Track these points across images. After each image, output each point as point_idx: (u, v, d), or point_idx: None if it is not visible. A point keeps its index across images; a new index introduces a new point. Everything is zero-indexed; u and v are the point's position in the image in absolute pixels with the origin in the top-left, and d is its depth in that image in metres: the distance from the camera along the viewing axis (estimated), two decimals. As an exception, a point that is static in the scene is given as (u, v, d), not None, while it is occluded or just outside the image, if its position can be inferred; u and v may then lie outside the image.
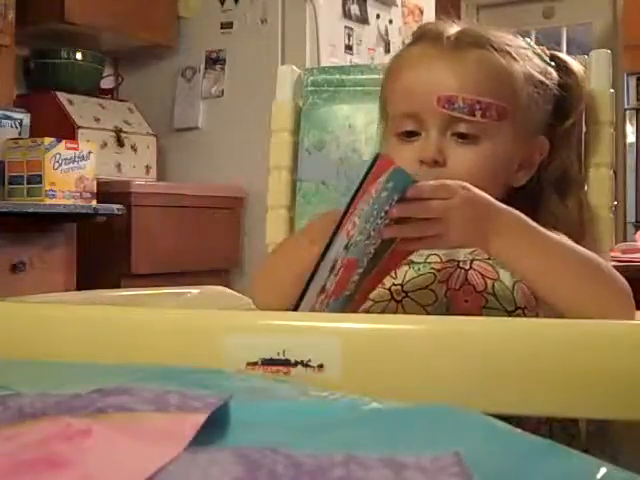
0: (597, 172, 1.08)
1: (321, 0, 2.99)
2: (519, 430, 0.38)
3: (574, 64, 0.98)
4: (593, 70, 1.10)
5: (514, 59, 0.90)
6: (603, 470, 0.33)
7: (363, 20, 3.21)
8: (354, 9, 3.17)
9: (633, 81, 4.32)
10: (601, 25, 4.65)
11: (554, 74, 0.95)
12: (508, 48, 0.90)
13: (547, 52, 0.97)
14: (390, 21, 3.34)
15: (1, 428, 0.37)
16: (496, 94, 0.87)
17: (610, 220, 1.07)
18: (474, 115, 0.86)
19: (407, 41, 0.99)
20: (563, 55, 0.99)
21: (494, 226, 0.78)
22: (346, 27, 3.14)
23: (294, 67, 1.27)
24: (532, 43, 0.96)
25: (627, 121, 4.34)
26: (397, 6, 3.38)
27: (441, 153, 0.88)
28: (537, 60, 0.93)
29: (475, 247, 0.85)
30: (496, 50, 0.89)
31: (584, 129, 1.09)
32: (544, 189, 0.96)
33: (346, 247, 0.75)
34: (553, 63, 0.96)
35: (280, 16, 3.01)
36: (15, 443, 0.34)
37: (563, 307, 0.79)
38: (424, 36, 0.93)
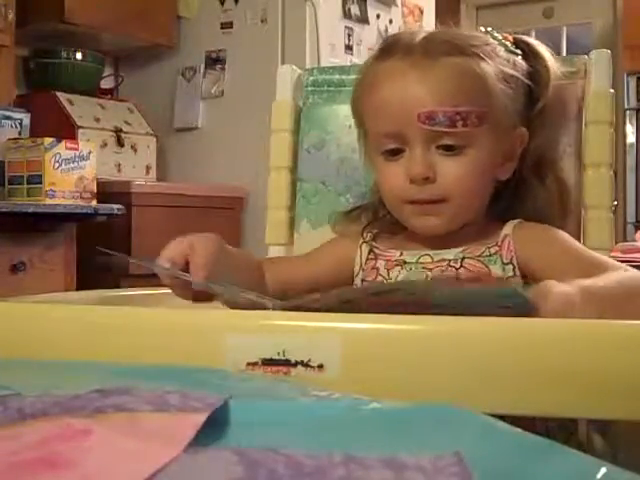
0: (597, 172, 1.08)
1: (321, 0, 2.99)
2: (519, 430, 0.38)
3: (539, 46, 0.98)
4: (593, 70, 1.10)
5: (483, 59, 0.90)
6: (603, 470, 0.33)
7: (363, 20, 3.21)
8: (354, 9, 3.17)
9: (633, 81, 4.33)
10: (601, 25, 4.65)
11: (521, 63, 0.95)
12: (476, 49, 0.90)
13: (510, 38, 0.97)
14: (390, 21, 3.34)
15: (1, 428, 0.37)
16: (473, 100, 0.88)
17: (610, 220, 1.07)
18: (456, 126, 0.87)
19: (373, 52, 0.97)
20: (527, 38, 0.99)
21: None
22: (346, 27, 3.14)
23: (294, 67, 1.27)
24: (495, 34, 0.96)
25: (627, 121, 4.34)
26: (397, 6, 3.38)
27: (430, 169, 0.88)
28: (504, 53, 0.93)
29: None
30: (465, 54, 0.89)
31: (585, 124, 1.09)
32: (524, 175, 0.96)
33: None
34: (519, 50, 0.96)
35: (280, 16, 3.01)
36: (15, 443, 0.34)
37: None
38: (393, 49, 0.92)
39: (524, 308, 0.66)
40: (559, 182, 0.99)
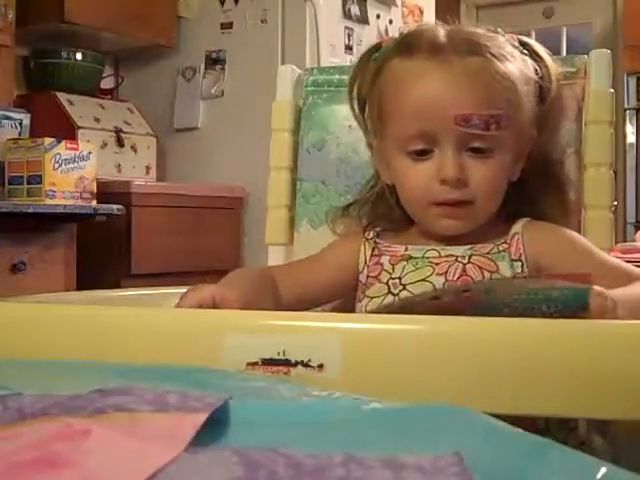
0: (597, 172, 1.08)
1: (321, 0, 2.99)
2: (519, 430, 0.38)
3: (539, 47, 0.98)
4: (593, 70, 1.10)
5: (509, 61, 0.90)
6: (603, 470, 0.33)
7: (363, 20, 3.21)
8: (354, 9, 3.17)
9: (633, 81, 4.32)
10: (601, 25, 4.66)
11: (532, 64, 0.95)
12: (500, 50, 0.90)
13: (516, 39, 0.97)
14: (390, 21, 3.34)
15: (1, 428, 0.37)
16: (502, 101, 0.88)
17: (610, 220, 1.07)
18: (489, 129, 0.87)
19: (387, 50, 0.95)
20: (528, 39, 0.99)
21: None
22: (346, 27, 3.14)
23: (294, 67, 1.27)
24: (507, 36, 0.96)
25: (627, 121, 4.34)
26: (397, 6, 3.38)
27: (463, 171, 0.88)
28: (517, 54, 0.94)
29: None
30: (491, 55, 0.89)
31: (584, 126, 1.09)
32: (530, 175, 0.96)
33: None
34: (526, 51, 0.96)
35: (280, 16, 3.01)
36: (15, 443, 0.34)
37: None
38: (417, 46, 0.91)
39: (579, 309, 0.67)
40: (563, 182, 1.00)
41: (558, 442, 0.36)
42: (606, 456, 0.88)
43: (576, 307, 0.68)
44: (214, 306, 0.76)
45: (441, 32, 0.91)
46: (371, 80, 0.97)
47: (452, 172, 0.87)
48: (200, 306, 0.76)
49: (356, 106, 1.01)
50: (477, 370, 0.57)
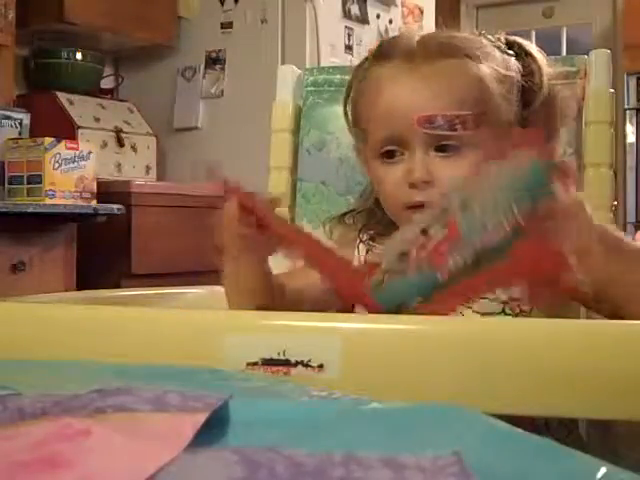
0: (597, 172, 1.08)
1: (321, 0, 2.99)
2: (519, 430, 0.38)
3: (530, 47, 0.98)
4: (593, 70, 1.10)
5: (480, 61, 0.91)
6: (603, 470, 0.33)
7: (363, 20, 3.21)
8: (354, 9, 3.17)
9: (633, 81, 4.33)
10: (601, 25, 4.65)
11: (515, 63, 0.95)
12: (472, 51, 0.91)
13: (503, 39, 0.97)
14: (390, 21, 3.34)
15: (1, 428, 0.37)
16: (471, 102, 0.88)
17: (610, 220, 1.07)
18: (455, 130, 0.87)
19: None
20: (519, 39, 0.99)
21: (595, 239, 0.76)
22: (346, 27, 3.14)
23: (294, 67, 1.27)
24: (489, 36, 0.96)
25: (627, 121, 4.34)
26: (397, 6, 3.38)
27: (429, 173, 0.88)
28: (498, 54, 0.94)
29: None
30: (462, 56, 0.90)
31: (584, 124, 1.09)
32: None
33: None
34: (511, 51, 0.96)
35: (280, 16, 3.01)
36: (15, 443, 0.34)
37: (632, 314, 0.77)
38: (392, 53, 0.93)
39: (546, 197, 0.68)
40: None
41: (558, 442, 0.37)
42: (606, 456, 0.88)
43: (539, 187, 0.68)
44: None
45: (415, 38, 0.93)
46: (355, 90, 0.99)
47: (418, 174, 0.87)
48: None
49: (349, 114, 1.01)
50: (477, 370, 0.57)
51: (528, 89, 0.95)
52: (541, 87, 0.95)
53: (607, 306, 0.80)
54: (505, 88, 0.92)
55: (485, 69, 0.90)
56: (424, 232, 0.71)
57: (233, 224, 0.79)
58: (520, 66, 0.95)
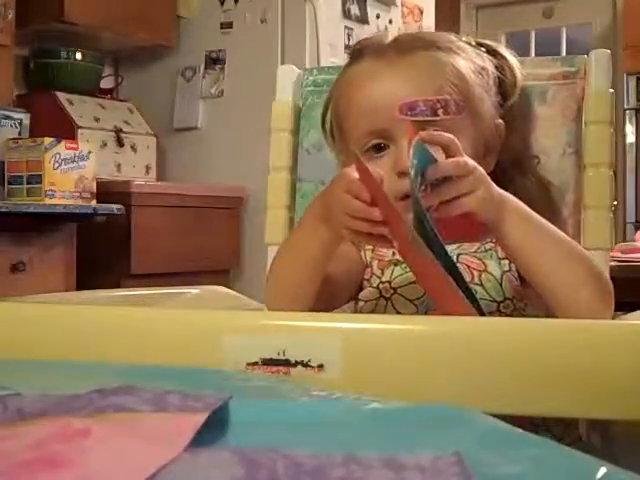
0: (597, 172, 1.08)
1: (321, 0, 2.99)
2: (519, 430, 0.38)
3: (501, 47, 1.00)
4: (593, 70, 1.10)
5: (455, 52, 0.92)
6: (603, 470, 0.33)
7: (363, 20, 3.21)
8: (354, 9, 3.17)
9: (633, 81, 4.32)
10: (601, 25, 4.65)
11: (488, 57, 0.96)
12: (448, 44, 0.92)
13: (473, 42, 0.98)
14: (390, 21, 3.34)
15: (1, 428, 0.37)
16: (450, 88, 0.89)
17: (610, 220, 1.07)
18: (437, 114, 0.87)
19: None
20: (488, 41, 1.01)
21: (505, 206, 0.81)
22: (346, 27, 3.14)
23: (294, 67, 1.27)
24: (456, 35, 0.98)
25: (627, 121, 4.34)
26: (397, 6, 3.38)
27: None
28: (470, 49, 0.95)
29: (492, 223, 0.83)
30: (436, 48, 0.91)
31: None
32: (505, 170, 0.96)
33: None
34: (483, 49, 0.97)
35: (280, 16, 3.01)
36: (15, 443, 0.34)
37: (546, 285, 0.83)
38: (364, 52, 0.94)
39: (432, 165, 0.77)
40: (539, 180, 1.00)
41: (558, 442, 0.37)
42: (606, 456, 0.88)
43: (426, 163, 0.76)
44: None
45: (388, 36, 0.94)
46: (330, 90, 1.00)
47: (405, 163, 0.87)
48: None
49: (327, 126, 1.01)
50: (477, 370, 0.57)
51: (504, 83, 0.96)
52: (515, 83, 0.97)
53: (530, 287, 0.86)
54: (482, 79, 0.92)
55: (460, 59, 0.91)
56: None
57: (351, 190, 0.78)
58: (495, 61, 0.96)
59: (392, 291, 0.93)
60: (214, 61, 3.18)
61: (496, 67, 0.96)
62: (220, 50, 3.16)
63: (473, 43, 0.97)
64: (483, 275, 0.91)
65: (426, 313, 0.90)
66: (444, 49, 0.91)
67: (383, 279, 0.94)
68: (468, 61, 0.92)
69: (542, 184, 1.01)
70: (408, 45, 0.91)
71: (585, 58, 1.12)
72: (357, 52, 0.96)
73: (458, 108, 0.88)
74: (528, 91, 1.06)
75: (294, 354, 0.58)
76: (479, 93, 0.92)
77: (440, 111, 0.87)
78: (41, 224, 2.42)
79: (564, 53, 4.41)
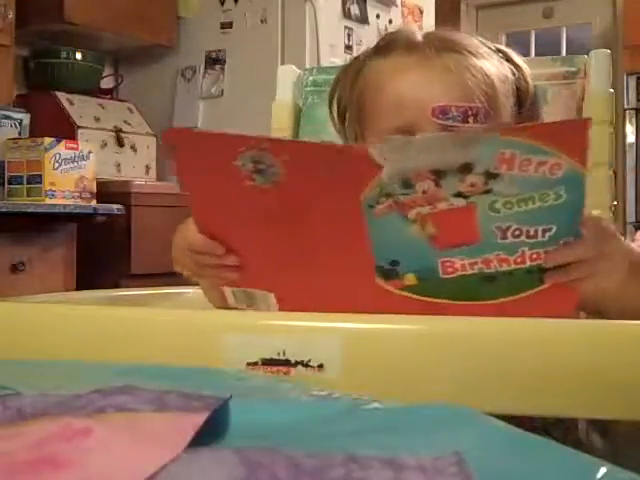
0: (597, 172, 1.08)
1: (321, 0, 2.99)
2: (519, 430, 0.38)
3: (514, 55, 0.98)
4: (593, 70, 1.10)
5: (485, 58, 0.91)
6: (603, 470, 0.33)
7: (363, 20, 3.21)
8: (354, 9, 3.17)
9: (633, 81, 4.32)
10: (601, 25, 4.65)
11: (507, 65, 0.95)
12: (479, 50, 0.91)
13: (491, 46, 0.97)
14: (390, 21, 3.34)
15: (1, 428, 0.37)
16: (481, 96, 0.88)
17: (610, 220, 1.07)
18: (468, 122, 0.86)
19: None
20: (504, 47, 0.99)
21: (621, 257, 0.73)
22: (346, 27, 3.14)
23: (294, 67, 1.27)
24: (481, 39, 0.96)
25: (627, 121, 4.34)
26: (397, 6, 3.38)
27: None
28: (495, 56, 0.94)
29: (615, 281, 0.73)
30: (470, 53, 0.90)
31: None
32: None
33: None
34: (501, 54, 0.96)
35: (280, 16, 3.01)
36: (15, 443, 0.34)
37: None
38: (393, 46, 0.92)
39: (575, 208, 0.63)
40: None
41: (558, 442, 0.37)
42: (606, 456, 0.88)
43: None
44: None
45: (418, 33, 0.93)
46: (350, 86, 0.97)
47: None
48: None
49: (336, 119, 1.01)
50: (477, 370, 0.57)
51: (520, 92, 0.96)
52: (528, 91, 0.96)
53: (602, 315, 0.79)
54: (505, 87, 0.92)
55: (490, 66, 0.91)
56: (436, 175, 0.62)
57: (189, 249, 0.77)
58: (513, 70, 0.95)
59: None
60: (214, 61, 3.18)
61: (513, 74, 0.96)
62: (220, 50, 3.16)
63: (493, 48, 0.97)
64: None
65: None
66: (475, 54, 0.90)
67: None
68: (495, 68, 0.91)
69: None
70: (440, 45, 0.90)
71: (585, 58, 1.12)
72: (386, 45, 0.94)
73: (486, 117, 0.87)
74: (528, 91, 1.06)
75: (294, 354, 0.58)
76: (503, 102, 0.91)
77: (471, 119, 0.86)
78: (41, 224, 2.42)
79: (564, 53, 4.41)
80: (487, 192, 0.61)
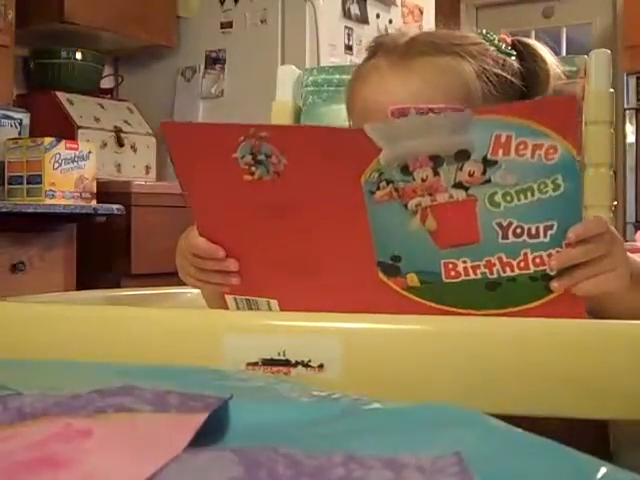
0: (597, 172, 1.08)
1: (321, 0, 2.99)
2: (519, 430, 0.38)
3: (537, 47, 0.97)
4: (593, 70, 1.10)
5: (463, 58, 0.90)
6: (603, 470, 0.33)
7: (363, 20, 3.21)
8: (354, 9, 3.16)
9: (633, 81, 4.33)
10: (601, 25, 4.65)
11: (513, 64, 0.94)
12: (457, 48, 0.90)
13: (508, 40, 0.96)
14: (390, 21, 3.34)
15: (1, 428, 0.37)
16: (448, 96, 0.87)
17: (610, 220, 1.07)
18: None
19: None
20: (527, 39, 0.98)
21: (625, 260, 0.72)
22: (346, 27, 3.14)
23: (294, 67, 1.27)
24: (492, 35, 0.95)
25: (627, 121, 4.34)
26: (397, 6, 3.38)
27: None
28: (493, 53, 0.93)
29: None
30: (444, 53, 0.89)
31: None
32: None
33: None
34: (514, 51, 0.95)
35: (280, 16, 3.01)
36: (15, 443, 0.34)
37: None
38: (377, 49, 0.93)
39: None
40: None
41: (558, 442, 0.36)
42: (606, 456, 0.88)
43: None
44: None
45: (406, 36, 0.92)
46: (345, 89, 0.98)
47: None
48: None
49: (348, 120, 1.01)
50: (478, 370, 0.57)
51: (528, 90, 0.94)
52: (545, 88, 0.95)
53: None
54: (494, 87, 0.91)
55: (467, 66, 0.90)
56: (433, 161, 0.62)
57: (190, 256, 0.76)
58: (521, 67, 0.94)
59: None
60: (214, 61, 3.18)
61: (524, 70, 0.94)
62: (220, 50, 3.16)
63: (508, 42, 0.95)
64: None
65: None
66: (452, 54, 0.89)
67: None
68: (478, 67, 0.90)
69: None
70: (417, 49, 0.89)
71: (585, 58, 1.12)
72: (372, 47, 0.95)
73: None
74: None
75: (294, 354, 0.58)
76: (482, 101, 0.89)
77: None
78: (41, 224, 2.42)
79: (564, 53, 4.41)
80: (486, 182, 0.62)
